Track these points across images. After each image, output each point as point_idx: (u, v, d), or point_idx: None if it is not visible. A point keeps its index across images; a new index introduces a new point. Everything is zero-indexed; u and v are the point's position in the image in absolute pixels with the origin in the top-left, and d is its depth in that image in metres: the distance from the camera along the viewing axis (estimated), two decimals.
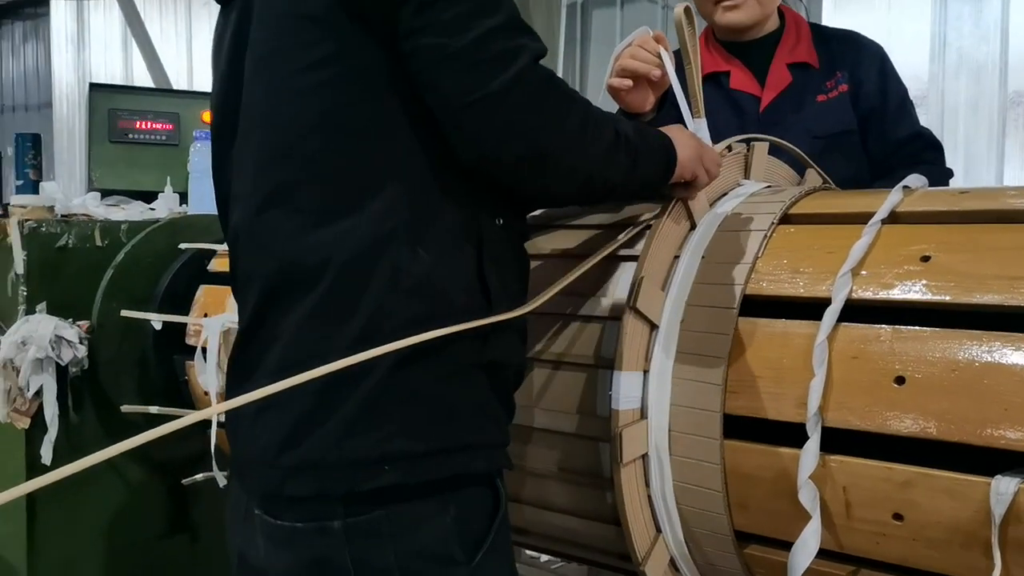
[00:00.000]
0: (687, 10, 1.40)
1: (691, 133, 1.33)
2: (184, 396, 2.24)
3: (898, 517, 1.08)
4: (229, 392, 1.21)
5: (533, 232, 1.44)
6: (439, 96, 1.05)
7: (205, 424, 2.06)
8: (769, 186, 1.50)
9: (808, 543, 1.13)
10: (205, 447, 2.08)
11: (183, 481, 2.29)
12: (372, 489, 1.06)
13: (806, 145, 1.73)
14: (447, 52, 1.02)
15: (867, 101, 1.82)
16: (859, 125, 1.83)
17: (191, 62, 8.18)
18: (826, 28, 1.92)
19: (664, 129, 1.27)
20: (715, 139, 1.63)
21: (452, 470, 1.10)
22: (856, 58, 1.84)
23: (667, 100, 1.54)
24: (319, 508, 1.09)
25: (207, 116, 4.30)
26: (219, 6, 1.27)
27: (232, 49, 1.20)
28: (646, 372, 1.28)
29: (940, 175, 1.81)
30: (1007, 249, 1.09)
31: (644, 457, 1.29)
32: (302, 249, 1.09)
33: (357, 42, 1.07)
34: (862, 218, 1.24)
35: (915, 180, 1.31)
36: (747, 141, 1.52)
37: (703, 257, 1.32)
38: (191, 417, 0.91)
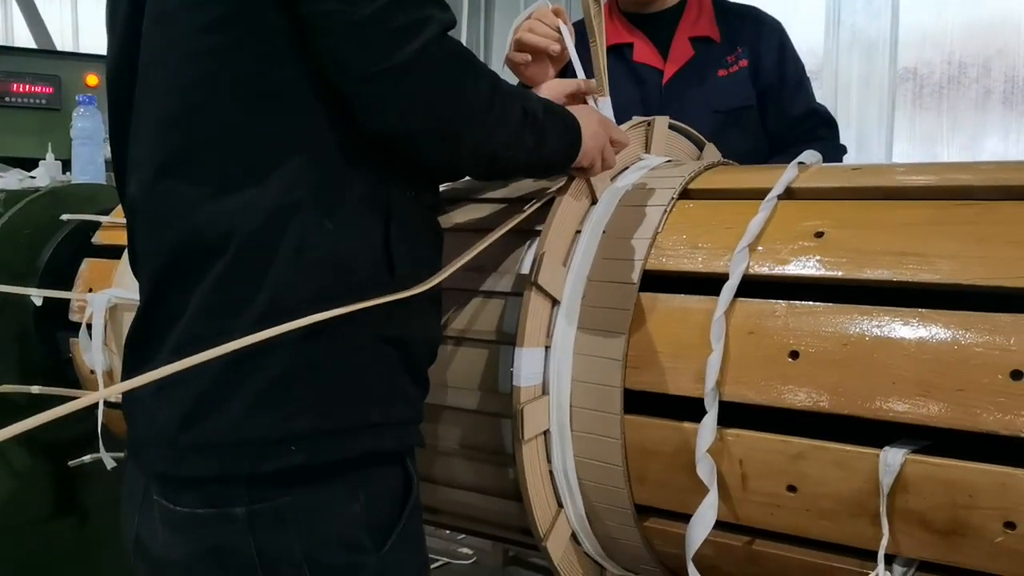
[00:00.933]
0: None
1: (601, 116, 1.31)
2: (68, 375, 2.13)
3: (792, 489, 1.10)
4: (127, 371, 1.15)
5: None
6: (340, 65, 1.01)
7: (92, 406, 1.97)
8: (669, 160, 1.51)
9: (705, 516, 1.14)
10: (93, 428, 2.00)
11: (69, 463, 2.19)
12: (276, 471, 1.03)
13: (706, 119, 1.75)
14: (350, 20, 0.98)
15: (766, 77, 1.84)
16: (757, 101, 1.85)
17: (76, 21, 7.74)
18: (727, 3, 1.94)
19: (573, 109, 1.25)
20: (618, 110, 1.64)
21: (360, 449, 1.07)
22: (756, 33, 1.86)
23: (569, 73, 1.53)
24: (221, 493, 1.04)
25: (91, 79, 4.11)
26: None
27: (129, 9, 1.13)
28: (547, 348, 1.27)
29: (834, 151, 1.85)
30: (896, 225, 1.11)
31: (546, 433, 1.28)
32: (202, 220, 1.04)
33: (255, 4, 1.02)
34: (759, 194, 1.25)
35: (810, 156, 1.33)
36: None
37: (604, 232, 1.32)
38: (85, 399, 0.86)
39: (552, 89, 1.42)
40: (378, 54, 0.98)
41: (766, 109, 1.86)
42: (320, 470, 1.04)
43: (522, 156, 1.15)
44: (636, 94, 1.84)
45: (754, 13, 1.93)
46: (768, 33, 1.87)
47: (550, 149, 1.18)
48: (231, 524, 1.04)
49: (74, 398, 0.87)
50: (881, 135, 3.88)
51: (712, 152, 1.65)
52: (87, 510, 2.37)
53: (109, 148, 1.21)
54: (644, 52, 1.86)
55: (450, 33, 1.06)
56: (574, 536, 1.35)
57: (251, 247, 1.03)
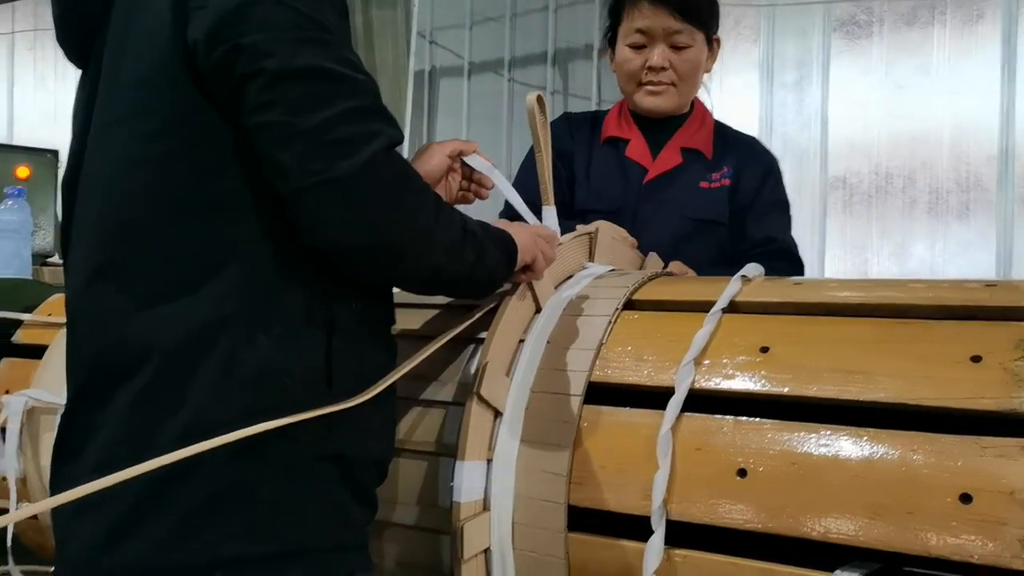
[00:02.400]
0: (539, 98, 1.41)
1: (521, 224, 1.32)
2: None
3: None
4: (52, 486, 1.09)
5: None
6: (283, 174, 0.98)
7: (2, 512, 1.86)
8: (613, 269, 1.50)
9: None
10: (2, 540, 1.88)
11: None
12: None
13: (676, 223, 1.83)
14: (292, 131, 0.96)
15: (741, 199, 1.89)
16: (729, 220, 1.89)
17: (11, 112, 7.65)
18: (729, 128, 2.01)
19: (504, 225, 1.26)
20: (600, 198, 1.82)
21: None
22: (745, 159, 1.92)
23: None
24: None
25: (22, 171, 4.02)
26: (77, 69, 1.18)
27: (84, 116, 1.12)
28: (489, 461, 1.23)
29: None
30: (840, 342, 1.12)
31: (487, 552, 1.23)
32: (128, 332, 1.01)
33: (199, 113, 1.00)
34: (703, 306, 1.25)
35: (752, 269, 1.34)
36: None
37: (548, 342, 1.29)
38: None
39: (431, 152, 1.40)
40: (319, 165, 0.96)
41: (734, 230, 1.89)
42: None
43: (464, 270, 1.12)
44: (619, 185, 1.90)
45: (750, 143, 1.99)
46: (756, 162, 1.93)
47: (490, 260, 1.17)
48: None
49: None
50: (815, 241, 4.01)
51: (655, 262, 1.65)
52: None
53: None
54: (636, 150, 1.92)
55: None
56: None
57: (173, 363, 0.99)
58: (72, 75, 1.21)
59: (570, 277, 1.44)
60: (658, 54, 1.84)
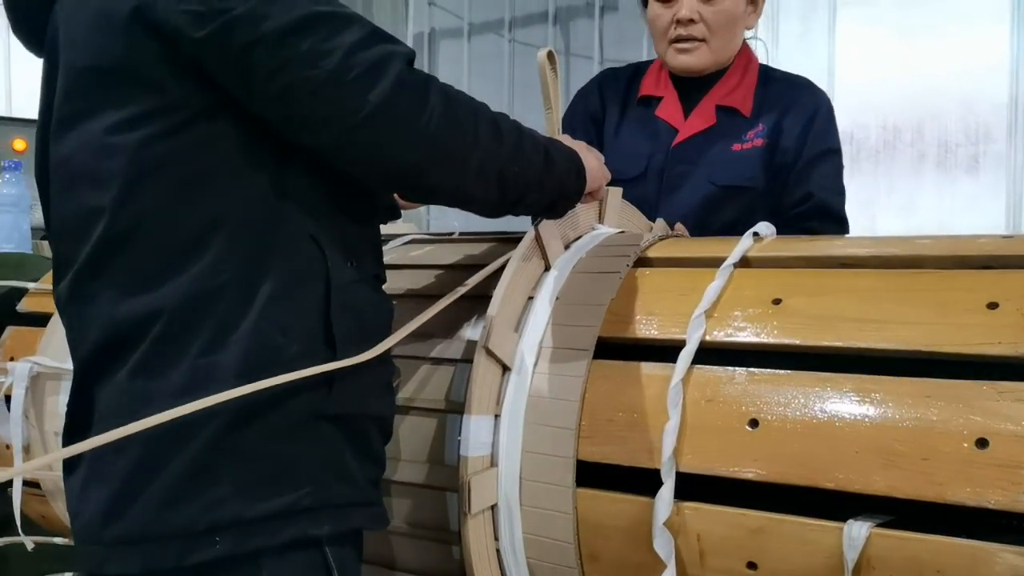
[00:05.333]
0: (550, 54, 1.38)
1: (583, 144, 1.28)
2: None
3: (752, 566, 1.06)
4: (67, 466, 1.09)
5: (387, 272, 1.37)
6: (318, 127, 0.98)
7: (6, 485, 1.86)
8: (623, 231, 1.49)
9: None
10: (7, 513, 1.88)
11: None
12: (198, 564, 0.96)
13: (702, 188, 1.73)
14: (316, 83, 0.96)
15: (783, 155, 1.77)
16: (772, 176, 1.77)
17: (9, 84, 7.59)
18: (776, 71, 1.88)
19: (561, 139, 1.23)
20: (627, 160, 1.71)
21: (291, 535, 0.99)
22: (788, 105, 1.78)
23: None
24: None
25: (19, 144, 3.99)
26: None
27: (44, 106, 1.11)
28: (497, 417, 1.22)
29: None
30: (854, 292, 1.10)
31: (494, 508, 1.22)
32: (120, 312, 1.01)
33: (184, 93, 0.99)
34: (714, 262, 1.23)
35: (764, 228, 1.31)
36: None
37: (557, 298, 1.28)
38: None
39: None
40: (357, 101, 0.96)
41: (777, 186, 1.77)
42: (234, 561, 0.98)
43: (533, 172, 1.12)
44: (647, 147, 1.80)
45: (797, 83, 1.85)
46: (801, 106, 1.78)
47: (561, 171, 1.16)
48: None
49: None
50: None
51: (662, 226, 1.63)
52: None
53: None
54: (667, 109, 1.82)
55: None
56: None
57: (168, 333, 0.99)
58: None
59: (579, 238, 1.42)
60: (686, 6, 1.73)
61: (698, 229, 1.63)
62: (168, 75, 0.99)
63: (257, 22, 0.95)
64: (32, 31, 1.14)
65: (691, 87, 1.83)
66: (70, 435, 1.09)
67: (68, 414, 1.10)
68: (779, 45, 4.08)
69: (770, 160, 1.76)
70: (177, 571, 0.97)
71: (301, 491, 1.01)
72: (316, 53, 0.95)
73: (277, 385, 0.97)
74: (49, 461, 1.54)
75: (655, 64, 1.89)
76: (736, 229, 1.56)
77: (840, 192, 1.81)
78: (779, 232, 1.30)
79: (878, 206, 3.86)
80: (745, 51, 1.86)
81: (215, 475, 0.97)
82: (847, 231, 1.80)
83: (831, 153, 1.80)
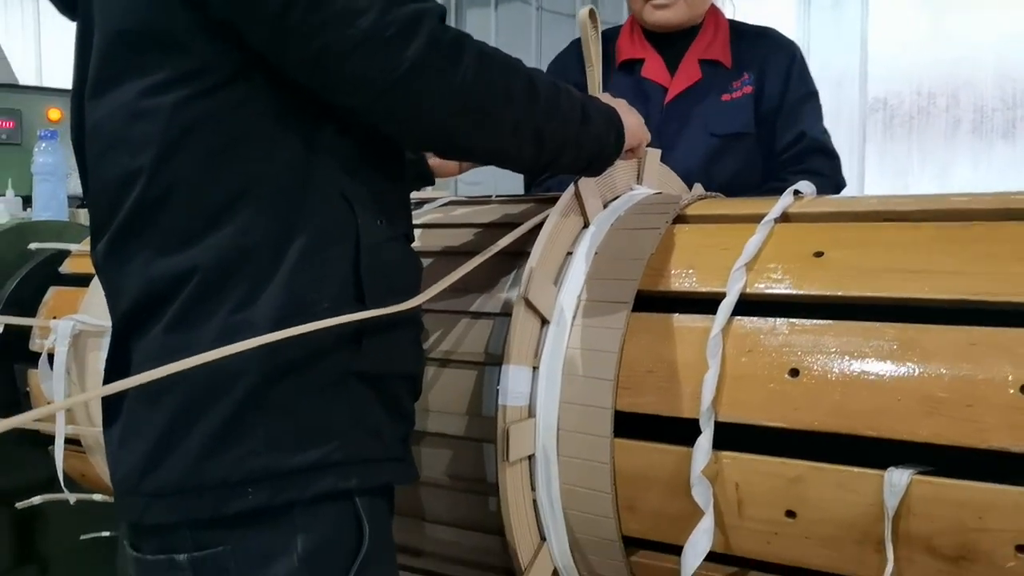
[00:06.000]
0: (592, 12, 1.38)
1: (622, 101, 1.29)
2: (24, 409, 2.03)
3: (791, 514, 1.06)
4: (103, 415, 1.11)
5: (423, 231, 1.38)
6: (357, 87, 0.99)
7: (47, 443, 1.90)
8: (660, 192, 1.48)
9: (699, 542, 1.09)
10: (48, 475, 1.91)
11: (17, 505, 2.07)
12: (233, 514, 0.99)
13: (702, 141, 1.77)
14: (352, 43, 0.96)
15: (768, 102, 1.84)
16: (760, 126, 1.84)
17: (39, 55, 7.66)
18: (744, 25, 1.94)
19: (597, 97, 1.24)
20: None
21: (321, 488, 1.01)
22: (765, 56, 1.86)
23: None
24: (169, 540, 1.01)
25: (54, 114, 4.02)
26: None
27: (78, 71, 1.11)
28: (535, 369, 1.23)
29: (830, 187, 1.82)
30: (897, 244, 1.10)
31: (531, 459, 1.23)
32: (157, 272, 1.02)
33: (217, 56, 1.00)
34: (755, 218, 1.23)
35: (806, 186, 1.31)
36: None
37: (596, 253, 1.28)
38: (44, 409, 0.83)
39: None
40: (395, 59, 0.97)
41: (766, 134, 1.85)
42: (267, 516, 1.00)
43: (570, 129, 1.12)
44: (639, 108, 1.82)
45: (767, 34, 1.93)
46: (776, 56, 1.87)
47: (598, 127, 1.16)
48: (176, 571, 1.01)
49: (29, 430, 0.83)
50: (852, 165, 3.93)
51: (698, 189, 1.62)
52: (47, 560, 2.25)
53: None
54: (652, 69, 1.87)
55: None
56: (556, 575, 1.29)
57: (202, 290, 1.00)
58: None
59: (617, 197, 1.42)
60: None
61: (703, 182, 1.66)
62: (201, 38, 0.99)
63: None
64: None
65: (669, 45, 1.87)
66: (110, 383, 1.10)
67: (106, 369, 1.12)
68: (812, 12, 4.03)
69: (757, 108, 1.84)
70: (212, 521, 0.99)
71: (331, 445, 1.02)
72: (350, 12, 0.95)
73: (309, 342, 0.99)
74: (87, 397, 1.58)
75: (625, 28, 1.93)
76: (740, 180, 1.59)
77: (825, 131, 1.88)
78: (778, 175, 1.31)
79: (911, 173, 3.81)
80: (713, 9, 1.92)
81: (248, 429, 0.99)
82: (840, 165, 1.87)
83: (812, 96, 1.89)
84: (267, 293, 1.00)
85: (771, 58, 1.86)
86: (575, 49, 1.93)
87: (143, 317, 1.04)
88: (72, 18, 1.16)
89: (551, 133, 1.10)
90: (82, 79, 1.11)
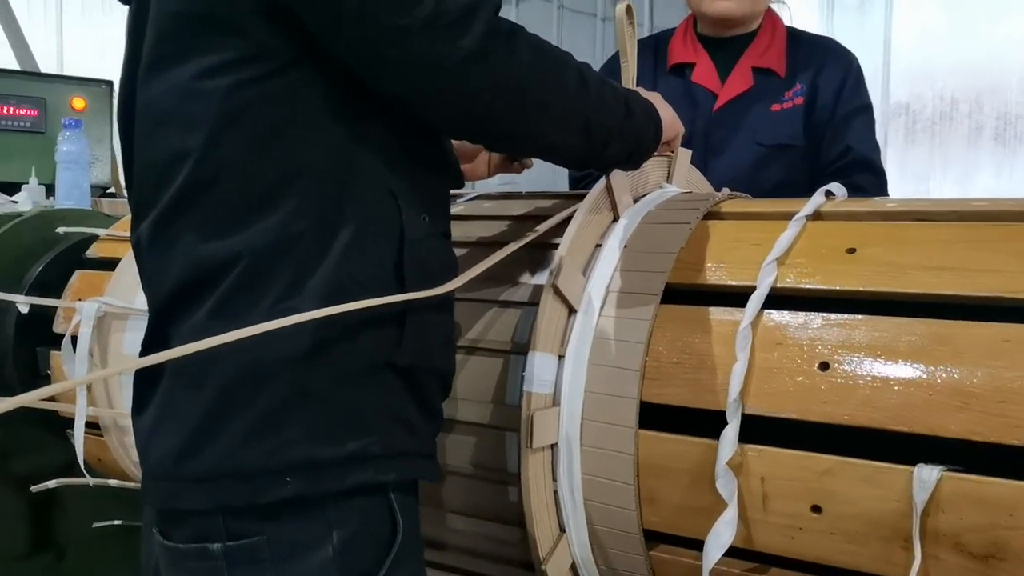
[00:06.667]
0: (628, 8, 1.38)
1: (657, 95, 1.29)
2: None
3: (816, 509, 1.05)
4: (135, 404, 1.11)
5: (454, 222, 1.38)
6: (415, 74, 0.99)
7: (64, 426, 1.91)
8: (690, 192, 1.49)
9: (722, 534, 1.08)
10: (67, 460, 1.92)
11: (32, 488, 2.08)
12: (269, 503, 0.98)
13: (749, 149, 1.77)
14: (407, 32, 0.96)
15: (819, 113, 1.82)
16: (811, 136, 1.82)
17: (61, 43, 7.69)
18: (802, 32, 1.93)
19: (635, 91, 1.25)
20: None
21: (358, 480, 1.01)
22: (821, 66, 1.84)
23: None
24: (202, 528, 1.01)
25: (78, 102, 4.05)
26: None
27: (131, 51, 1.12)
28: (561, 357, 1.23)
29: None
30: (929, 242, 1.09)
31: (553, 448, 1.23)
32: (199, 256, 1.03)
33: (273, 41, 1.00)
34: (787, 215, 1.23)
35: (838, 188, 1.31)
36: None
37: (626, 246, 1.29)
38: (66, 384, 0.83)
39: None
40: (450, 49, 0.97)
41: (814, 145, 1.82)
42: (301, 506, 1.00)
43: (615, 122, 1.13)
44: (687, 113, 1.82)
45: (826, 44, 1.91)
46: (832, 66, 1.84)
47: (640, 121, 1.17)
48: (209, 560, 1.00)
49: (50, 411, 0.83)
50: None
51: (727, 192, 1.62)
52: (63, 547, 2.26)
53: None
54: (703, 74, 1.86)
55: None
56: (573, 568, 1.28)
57: (247, 277, 1.00)
58: (119, 8, 1.20)
59: (647, 194, 1.42)
60: None
61: (747, 191, 1.66)
62: (258, 23, 1.00)
63: None
64: None
65: (722, 49, 1.86)
66: (142, 372, 1.11)
67: (143, 353, 1.12)
68: (835, 14, 4.01)
69: (808, 119, 1.81)
70: (247, 509, 0.99)
71: (370, 438, 1.02)
72: (404, 2, 0.95)
73: (351, 333, 1.00)
74: (112, 372, 1.58)
75: (679, 31, 1.92)
76: (783, 189, 1.57)
77: (875, 147, 1.86)
78: (819, 186, 1.31)
79: (933, 179, 3.79)
80: (771, 14, 1.90)
81: (289, 418, 0.99)
82: (886, 183, 1.84)
83: (864, 109, 1.85)
84: (311, 284, 1.00)
85: (826, 68, 1.83)
86: (610, 78, 1.94)
87: (186, 301, 1.04)
88: (124, 1, 1.17)
89: (599, 125, 1.11)
90: (133, 60, 1.11)
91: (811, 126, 1.82)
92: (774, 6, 1.93)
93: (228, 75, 1.01)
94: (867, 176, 1.80)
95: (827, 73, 1.84)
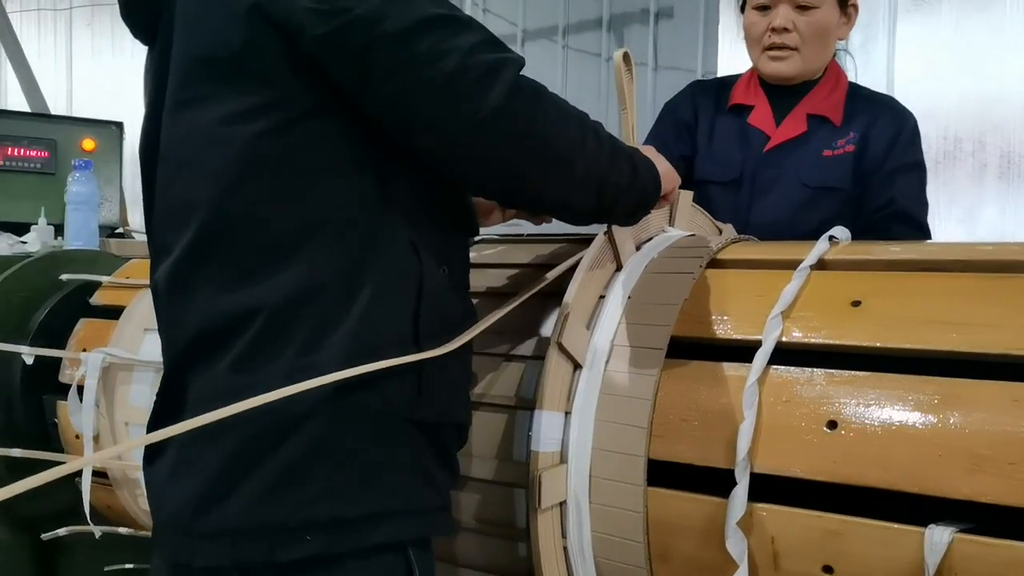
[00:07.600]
0: (626, 55, 1.38)
1: (652, 148, 1.29)
2: (52, 440, 2.04)
3: (828, 569, 1.04)
4: (147, 454, 1.10)
5: None
6: (435, 128, 0.99)
7: (74, 473, 1.89)
8: (693, 235, 1.49)
9: None
10: (73, 501, 1.91)
11: (43, 536, 2.07)
12: (290, 563, 0.97)
13: (794, 190, 1.78)
14: (434, 83, 0.96)
15: (869, 163, 1.82)
16: (857, 184, 1.82)
17: (71, 85, 7.76)
18: (865, 90, 1.94)
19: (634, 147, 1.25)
20: (720, 166, 1.80)
21: (382, 538, 1.00)
22: (875, 117, 1.84)
23: None
24: None
25: (88, 144, 4.08)
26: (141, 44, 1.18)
27: (154, 92, 1.12)
28: (568, 414, 1.22)
29: None
30: (936, 293, 1.09)
31: (562, 505, 1.22)
32: (220, 306, 1.02)
33: (298, 89, 1.00)
34: (790, 264, 1.22)
35: (840, 232, 1.30)
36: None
37: (629, 298, 1.28)
38: (73, 464, 0.81)
39: None
40: (475, 104, 0.97)
41: (861, 194, 1.82)
42: (321, 563, 0.98)
43: (624, 180, 1.13)
44: (738, 154, 1.86)
45: (884, 100, 1.92)
46: (887, 120, 1.84)
47: (645, 178, 1.17)
48: None
49: (57, 463, 0.81)
50: None
51: (730, 231, 1.63)
52: None
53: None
54: (760, 117, 1.88)
55: None
56: None
57: (270, 329, 1.00)
58: (129, 50, 1.21)
59: (650, 239, 1.42)
60: (781, 15, 1.80)
61: (789, 232, 1.65)
62: (284, 70, 0.99)
63: (378, 21, 0.95)
64: (146, 15, 1.14)
65: (782, 97, 1.88)
66: (157, 422, 1.10)
67: (158, 401, 1.11)
68: (837, 54, 4.03)
69: (857, 166, 1.81)
70: (265, 567, 0.98)
71: (392, 495, 1.02)
72: (435, 54, 0.96)
73: (372, 388, 0.99)
74: (119, 451, 1.58)
75: (744, 76, 1.95)
76: (825, 231, 1.56)
77: (923, 203, 1.85)
78: (861, 236, 1.30)
79: (938, 217, 3.77)
80: (835, 65, 1.92)
81: (310, 474, 0.98)
82: (928, 239, 1.82)
83: (916, 166, 1.86)
84: (334, 338, 1.00)
85: (880, 120, 1.84)
86: (670, 116, 1.96)
87: (204, 353, 1.03)
88: (145, 42, 1.16)
89: (612, 184, 1.12)
90: (157, 101, 1.11)
91: (859, 174, 1.82)
92: (840, 52, 1.94)
93: (252, 122, 1.00)
94: (906, 229, 1.78)
95: (881, 125, 1.84)
